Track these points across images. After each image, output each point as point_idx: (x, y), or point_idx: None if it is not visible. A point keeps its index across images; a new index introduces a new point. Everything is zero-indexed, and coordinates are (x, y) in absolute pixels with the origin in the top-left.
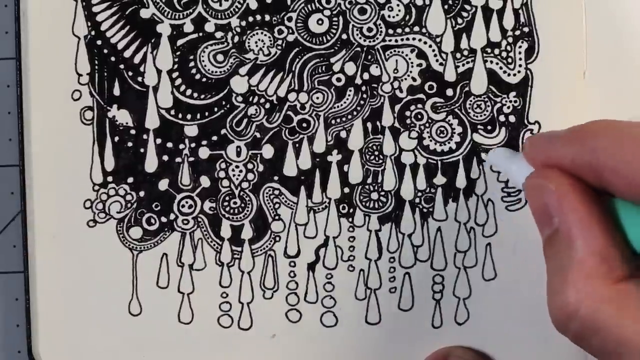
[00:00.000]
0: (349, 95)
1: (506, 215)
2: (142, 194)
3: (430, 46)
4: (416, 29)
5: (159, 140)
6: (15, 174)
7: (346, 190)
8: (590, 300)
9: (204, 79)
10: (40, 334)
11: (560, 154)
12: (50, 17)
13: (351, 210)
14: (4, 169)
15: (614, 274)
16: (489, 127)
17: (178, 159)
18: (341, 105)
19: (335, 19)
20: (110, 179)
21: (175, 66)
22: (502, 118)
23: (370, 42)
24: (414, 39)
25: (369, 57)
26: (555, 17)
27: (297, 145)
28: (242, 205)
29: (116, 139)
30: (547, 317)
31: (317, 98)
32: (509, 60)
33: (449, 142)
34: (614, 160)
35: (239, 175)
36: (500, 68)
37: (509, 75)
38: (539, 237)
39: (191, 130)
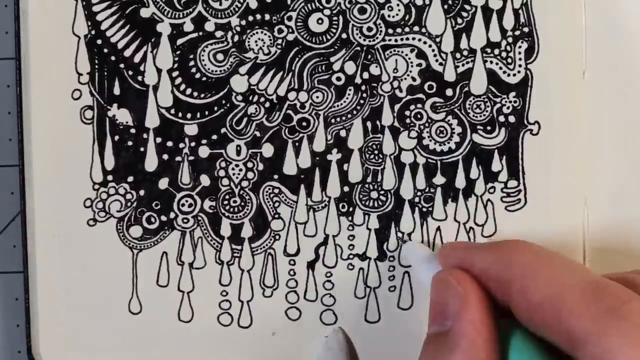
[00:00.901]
0: (349, 94)
1: (505, 215)
2: (142, 192)
3: (430, 46)
4: (416, 28)
5: (159, 139)
6: (15, 174)
7: (346, 189)
8: None
9: (204, 78)
10: (40, 334)
11: (475, 262)
12: (50, 17)
13: (351, 209)
14: (4, 169)
15: None
16: (489, 128)
17: (178, 158)
18: (341, 104)
19: (335, 18)
20: (110, 178)
21: (175, 65)
22: (501, 118)
23: (370, 41)
24: (413, 38)
25: (369, 56)
26: (555, 17)
27: (297, 144)
28: (242, 203)
29: (116, 138)
30: None
31: (317, 97)
32: (509, 60)
33: (448, 142)
34: (526, 279)
35: (238, 174)
36: (500, 68)
37: (508, 75)
38: (539, 238)
39: (191, 129)
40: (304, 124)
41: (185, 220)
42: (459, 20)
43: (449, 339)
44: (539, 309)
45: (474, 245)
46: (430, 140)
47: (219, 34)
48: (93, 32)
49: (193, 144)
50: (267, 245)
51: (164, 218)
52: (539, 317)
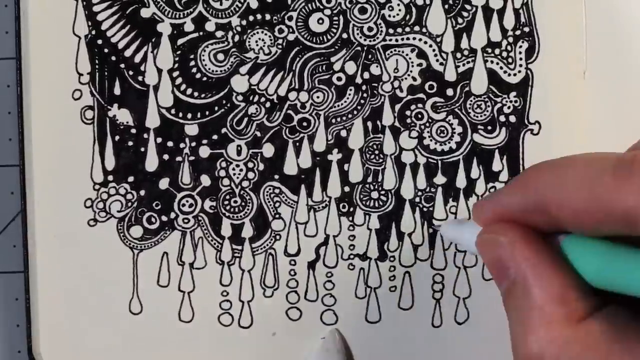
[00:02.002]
0: (350, 94)
1: None
2: (142, 192)
3: (430, 46)
4: (416, 28)
5: (159, 140)
6: (15, 174)
7: (346, 189)
8: (553, 347)
9: (205, 78)
10: (40, 334)
11: (506, 206)
12: (50, 17)
13: (351, 209)
14: (4, 169)
15: (574, 315)
16: (489, 127)
17: (178, 158)
18: (341, 104)
19: (335, 18)
20: (110, 178)
21: (176, 65)
22: (502, 118)
23: (370, 41)
24: (414, 38)
25: (370, 56)
26: (555, 17)
27: (297, 144)
28: (243, 204)
29: (117, 138)
30: None
31: (318, 97)
32: (510, 60)
33: (449, 142)
34: (558, 194)
35: (239, 174)
36: (501, 68)
37: (509, 75)
38: None
39: (192, 129)
40: (305, 124)
41: (185, 221)
42: (460, 20)
43: (518, 287)
44: (586, 214)
45: (499, 191)
46: (431, 140)
47: (219, 34)
48: (93, 32)
49: (193, 144)
50: (267, 245)
51: (164, 218)
52: (590, 220)
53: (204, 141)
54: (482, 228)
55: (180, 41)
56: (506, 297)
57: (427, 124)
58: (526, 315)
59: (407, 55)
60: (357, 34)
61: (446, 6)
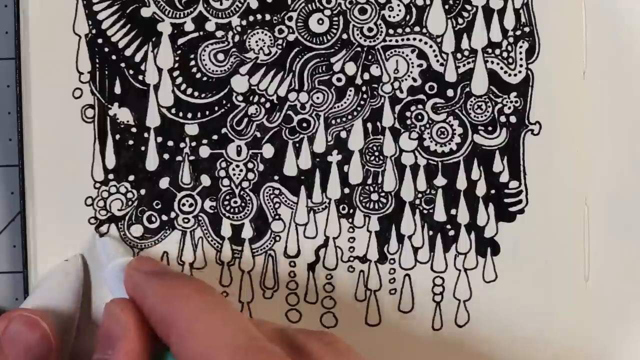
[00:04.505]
0: (349, 95)
1: (507, 216)
2: (142, 192)
3: (430, 46)
4: (417, 29)
5: (159, 139)
6: (15, 174)
7: (346, 190)
8: None
9: (205, 78)
10: None
11: (148, 294)
12: (50, 17)
13: (351, 211)
14: (4, 169)
15: None
16: (490, 128)
17: (179, 158)
18: (341, 105)
19: (335, 18)
20: (111, 176)
21: (176, 65)
22: (502, 119)
23: (370, 42)
24: (414, 39)
25: (370, 57)
26: (555, 17)
27: (297, 145)
28: (243, 204)
29: (117, 137)
30: (548, 319)
31: (318, 98)
32: (510, 60)
33: (449, 143)
34: (183, 330)
35: (239, 174)
36: (501, 68)
37: (509, 75)
38: (540, 239)
39: (192, 129)
40: (305, 124)
41: (185, 220)
42: (460, 21)
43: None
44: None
45: (156, 271)
46: (431, 142)
47: (219, 33)
48: (94, 31)
49: (194, 143)
50: (267, 246)
51: (164, 217)
52: None
53: (204, 141)
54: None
55: (180, 41)
56: None
57: (428, 125)
58: None
59: (407, 56)
60: (357, 34)
61: (446, 6)
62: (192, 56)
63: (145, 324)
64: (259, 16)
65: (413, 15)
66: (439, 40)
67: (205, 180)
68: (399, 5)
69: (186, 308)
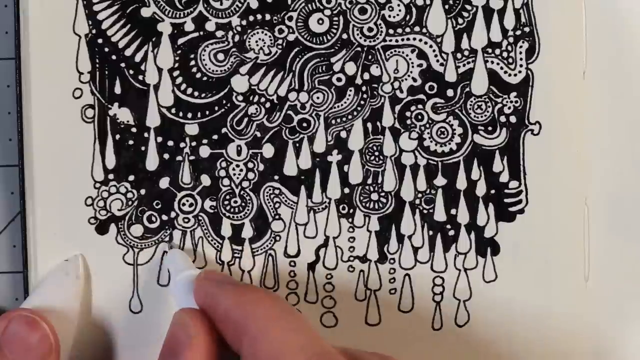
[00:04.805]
0: (349, 95)
1: (507, 216)
2: (143, 192)
3: (430, 46)
4: (417, 29)
5: (159, 139)
6: (15, 174)
7: (346, 190)
8: None
9: (205, 78)
10: None
11: (220, 301)
12: (50, 17)
13: (351, 211)
14: (4, 169)
15: None
16: (490, 128)
17: (179, 158)
18: (341, 105)
19: (335, 18)
20: (111, 176)
21: (176, 65)
22: (502, 118)
23: (370, 42)
24: (414, 39)
25: (370, 57)
26: (555, 17)
27: (297, 144)
28: (243, 204)
29: (117, 137)
30: (548, 319)
31: (318, 98)
32: (510, 60)
33: (449, 143)
34: (257, 333)
35: (239, 174)
36: (501, 68)
37: (509, 75)
38: (540, 239)
39: (192, 129)
40: (305, 124)
41: (186, 220)
42: (460, 21)
43: None
44: None
45: (226, 280)
46: (431, 142)
47: (219, 33)
48: (94, 31)
49: (194, 143)
50: (267, 246)
51: (164, 217)
52: None
53: (204, 141)
54: (186, 308)
55: (180, 41)
56: None
57: (427, 125)
58: None
59: (407, 55)
60: (357, 34)
61: (446, 6)
62: (192, 56)
63: (213, 333)
64: (259, 16)
65: (413, 15)
66: (439, 40)
67: (206, 180)
68: (399, 5)
69: (259, 312)
